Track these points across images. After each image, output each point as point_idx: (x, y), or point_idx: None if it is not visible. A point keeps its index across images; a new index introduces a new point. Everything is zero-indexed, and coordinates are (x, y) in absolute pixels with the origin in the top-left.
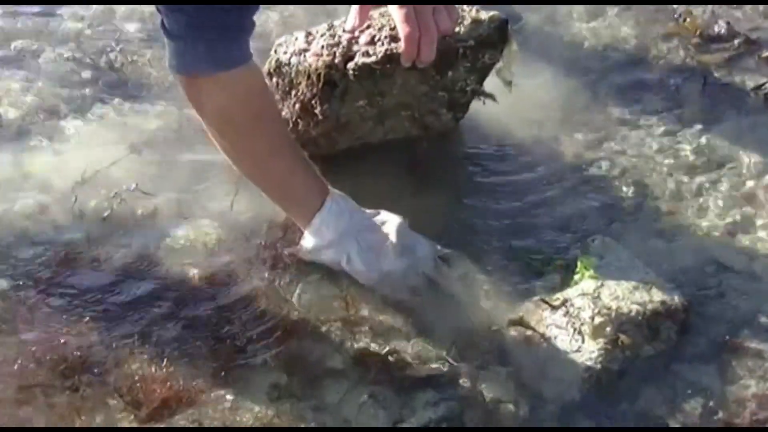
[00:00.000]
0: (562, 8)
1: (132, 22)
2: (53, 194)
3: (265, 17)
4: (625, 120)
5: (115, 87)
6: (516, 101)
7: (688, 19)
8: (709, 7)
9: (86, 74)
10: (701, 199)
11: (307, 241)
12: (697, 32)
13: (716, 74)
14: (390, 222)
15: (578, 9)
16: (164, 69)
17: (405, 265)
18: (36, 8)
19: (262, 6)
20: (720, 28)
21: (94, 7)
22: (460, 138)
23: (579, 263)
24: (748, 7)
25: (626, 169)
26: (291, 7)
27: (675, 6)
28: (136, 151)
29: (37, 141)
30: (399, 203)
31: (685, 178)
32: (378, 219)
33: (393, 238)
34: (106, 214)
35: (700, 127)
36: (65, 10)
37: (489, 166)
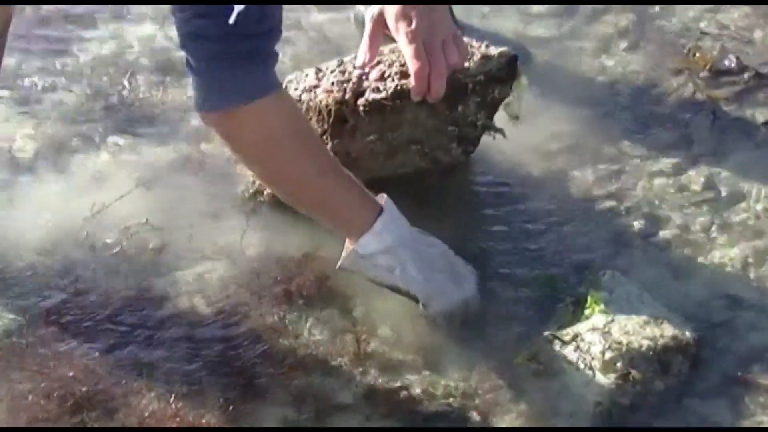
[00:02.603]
0: (572, 43)
1: (144, 57)
2: (63, 229)
3: None
4: (635, 154)
5: (127, 123)
6: (526, 134)
7: (697, 54)
8: (718, 42)
9: (98, 110)
10: (711, 233)
11: (365, 244)
12: (707, 66)
13: (726, 108)
14: (438, 244)
15: (588, 44)
16: (175, 104)
17: (455, 286)
18: (48, 44)
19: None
20: (730, 62)
21: (107, 43)
22: (470, 170)
23: (589, 298)
24: (758, 42)
25: (636, 202)
26: (301, 45)
27: (684, 40)
28: (146, 186)
29: (48, 176)
30: None
31: (695, 212)
32: (426, 238)
33: (442, 255)
34: (116, 250)
35: (710, 161)
36: (78, 47)
37: (498, 199)
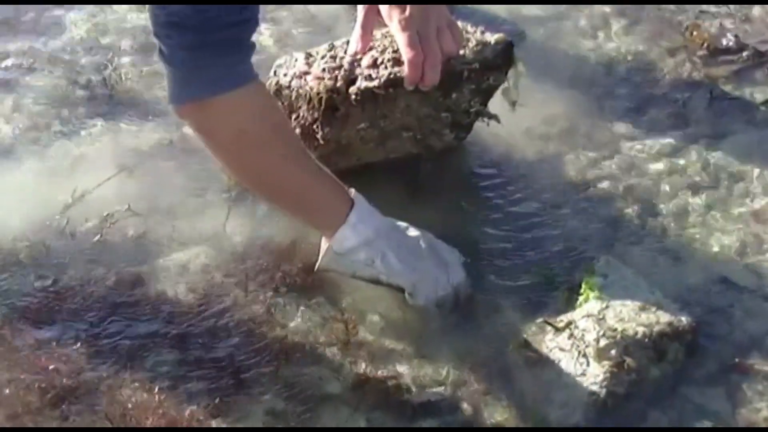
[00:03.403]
0: (567, 23)
1: (125, 39)
2: (43, 215)
3: (261, 36)
4: (631, 136)
5: (108, 106)
6: (519, 117)
7: (695, 32)
8: (717, 19)
9: (78, 93)
10: (709, 217)
11: (342, 240)
12: (704, 45)
13: (724, 88)
14: (413, 229)
15: (583, 23)
16: (158, 87)
17: (438, 268)
18: (28, 26)
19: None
20: (728, 40)
21: (87, 24)
22: (462, 154)
23: (583, 284)
24: (757, 19)
25: (631, 186)
26: (286, 24)
27: (682, 18)
28: (128, 171)
29: (27, 160)
30: (399, 219)
31: (692, 196)
32: (401, 224)
33: (422, 242)
34: (97, 237)
35: (707, 143)
36: (58, 28)
37: (491, 183)
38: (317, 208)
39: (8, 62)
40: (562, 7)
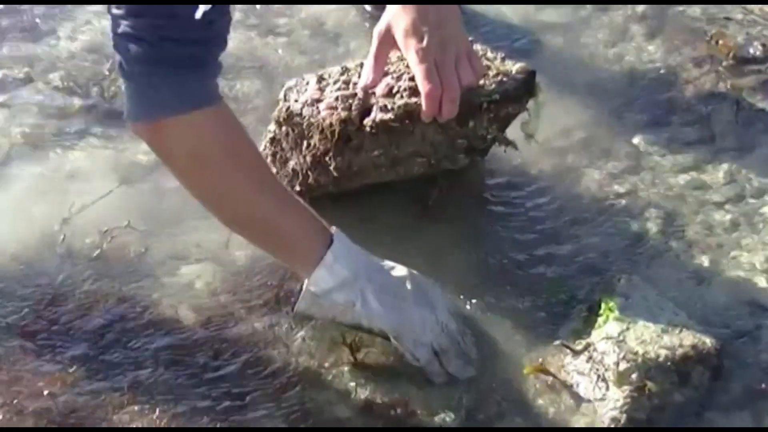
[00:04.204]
0: (586, 30)
1: None
2: (39, 231)
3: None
4: (652, 149)
5: (107, 117)
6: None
7: (720, 41)
8: (743, 28)
9: (76, 103)
10: (734, 235)
11: (318, 281)
12: (730, 54)
13: (750, 99)
14: (399, 268)
15: (603, 31)
16: None
17: (424, 308)
18: (23, 35)
19: (263, 33)
20: (755, 49)
21: (84, 34)
22: (476, 167)
23: (603, 304)
24: None
25: (653, 202)
26: (295, 35)
27: (706, 26)
28: (127, 185)
29: (22, 174)
30: (412, 238)
31: (717, 212)
32: (386, 264)
33: (408, 283)
34: (95, 254)
35: (732, 156)
36: (55, 36)
37: (507, 198)
38: (287, 243)
39: (2, 72)
40: (581, 14)
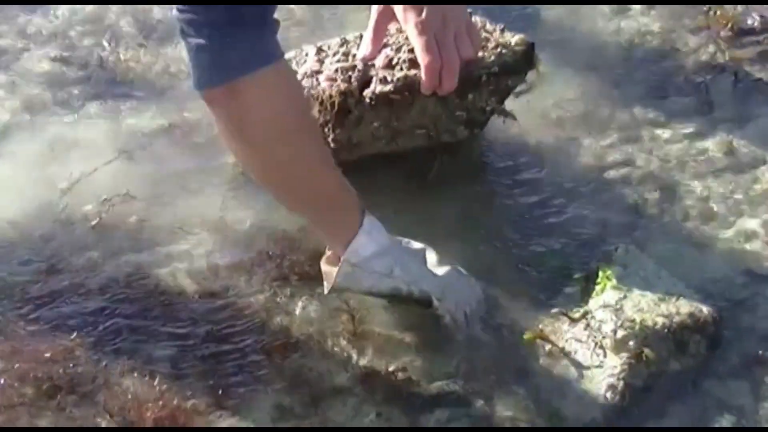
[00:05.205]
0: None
1: (125, 18)
2: (38, 200)
3: None
4: (651, 119)
5: (106, 87)
6: (535, 99)
7: (718, 12)
8: None
9: (75, 74)
10: (732, 204)
11: (358, 248)
12: (728, 25)
13: (748, 70)
14: (414, 242)
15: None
16: (157, 69)
17: (456, 275)
18: (22, 5)
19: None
20: (753, 20)
21: (85, 3)
22: (475, 139)
23: (601, 273)
24: None
25: (652, 172)
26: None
27: None
28: (126, 155)
29: (22, 144)
30: (411, 210)
31: (715, 182)
32: (401, 238)
33: (429, 253)
34: (94, 222)
35: (730, 127)
36: (54, 7)
37: (505, 169)
38: (337, 212)
39: (1, 42)
40: None
